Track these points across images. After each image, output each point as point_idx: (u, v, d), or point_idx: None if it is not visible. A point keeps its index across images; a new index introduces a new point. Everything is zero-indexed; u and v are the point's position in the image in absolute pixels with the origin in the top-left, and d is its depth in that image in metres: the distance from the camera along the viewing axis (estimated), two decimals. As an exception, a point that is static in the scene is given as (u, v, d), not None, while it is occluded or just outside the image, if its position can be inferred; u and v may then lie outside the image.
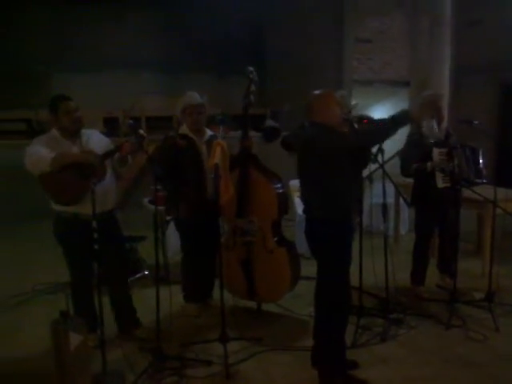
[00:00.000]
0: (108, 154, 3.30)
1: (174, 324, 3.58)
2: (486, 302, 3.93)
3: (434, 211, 4.18)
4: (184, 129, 3.86)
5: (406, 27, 8.63)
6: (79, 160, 3.18)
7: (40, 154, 3.14)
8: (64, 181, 3.17)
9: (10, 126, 9.31)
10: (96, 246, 2.94)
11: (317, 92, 3.02)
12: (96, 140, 3.45)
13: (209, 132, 3.95)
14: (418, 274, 4.36)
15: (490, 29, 8.32)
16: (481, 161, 4.12)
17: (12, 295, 4.44)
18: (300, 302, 4.16)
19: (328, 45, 9.02)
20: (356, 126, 3.17)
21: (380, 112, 9.06)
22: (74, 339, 2.76)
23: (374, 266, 3.80)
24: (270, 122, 5.66)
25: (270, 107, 10.44)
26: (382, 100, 8.93)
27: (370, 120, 3.18)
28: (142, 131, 3.23)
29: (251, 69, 3.64)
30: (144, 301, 3.60)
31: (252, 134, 3.86)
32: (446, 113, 4.22)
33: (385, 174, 3.77)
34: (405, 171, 4.24)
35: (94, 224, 2.92)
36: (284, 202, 3.78)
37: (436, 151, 4.03)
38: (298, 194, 3.21)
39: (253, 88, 3.64)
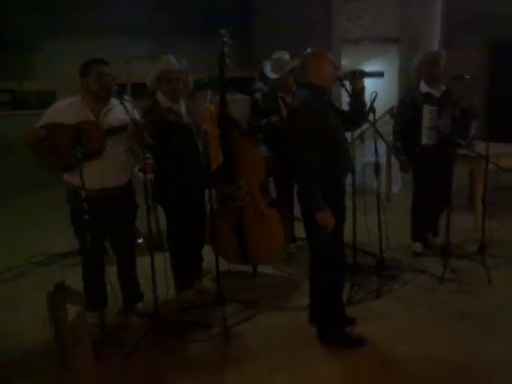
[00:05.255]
0: (112, 131, 3.14)
1: (170, 291, 3.59)
2: (479, 255, 4.00)
3: (426, 168, 4.17)
4: (161, 99, 3.45)
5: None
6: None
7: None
8: (55, 147, 3.03)
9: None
10: (86, 217, 2.89)
11: (310, 51, 2.95)
12: (119, 110, 3.14)
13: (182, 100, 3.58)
14: (417, 232, 4.39)
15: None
16: (473, 123, 4.09)
17: (8, 268, 4.41)
18: (295, 262, 4.19)
19: (316, 3, 8.82)
20: (348, 84, 3.13)
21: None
22: (72, 310, 2.77)
23: (367, 225, 3.82)
24: (259, 85, 5.60)
25: (258, 69, 10.28)
26: (371, 58, 8.81)
27: (362, 73, 3.11)
28: (127, 97, 3.12)
29: (223, 31, 3.52)
30: (139, 268, 3.60)
31: (238, 96, 3.77)
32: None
33: (376, 133, 3.75)
34: (396, 133, 4.23)
35: (83, 195, 2.88)
36: (271, 164, 3.76)
37: (427, 108, 4.01)
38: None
39: (226, 51, 3.53)
